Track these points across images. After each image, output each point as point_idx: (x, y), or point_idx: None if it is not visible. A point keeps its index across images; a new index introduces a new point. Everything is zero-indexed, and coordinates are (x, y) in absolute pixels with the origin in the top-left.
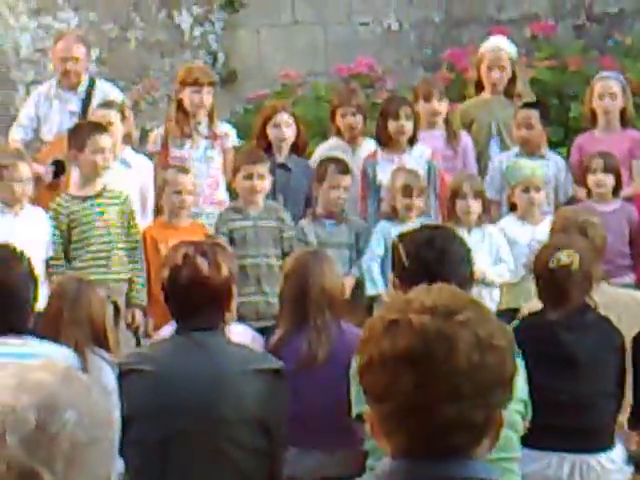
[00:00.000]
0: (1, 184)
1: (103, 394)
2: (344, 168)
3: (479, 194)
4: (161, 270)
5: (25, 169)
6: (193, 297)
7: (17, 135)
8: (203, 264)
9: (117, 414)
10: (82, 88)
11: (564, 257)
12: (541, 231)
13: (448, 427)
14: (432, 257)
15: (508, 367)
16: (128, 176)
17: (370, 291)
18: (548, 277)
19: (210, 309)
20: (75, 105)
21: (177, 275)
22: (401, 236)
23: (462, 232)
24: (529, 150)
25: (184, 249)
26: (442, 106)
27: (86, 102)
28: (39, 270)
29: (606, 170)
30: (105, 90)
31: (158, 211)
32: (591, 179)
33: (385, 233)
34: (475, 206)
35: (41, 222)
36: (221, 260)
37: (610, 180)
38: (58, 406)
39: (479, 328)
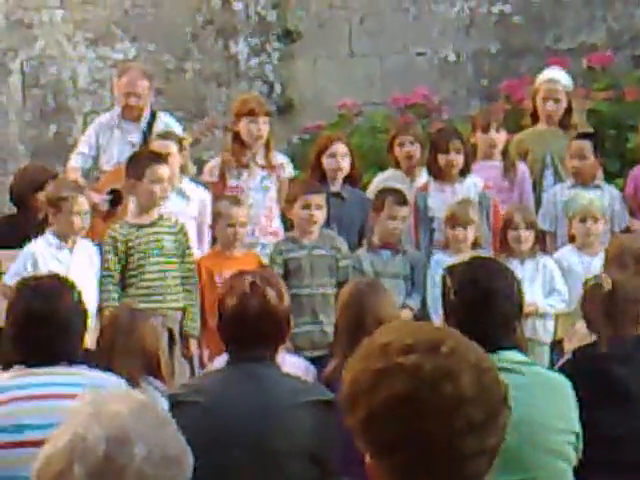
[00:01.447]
0: (59, 216)
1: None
2: (402, 199)
3: (531, 225)
4: (221, 298)
5: (83, 202)
6: (258, 327)
7: (76, 163)
8: (271, 293)
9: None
10: (144, 120)
11: (606, 284)
12: (598, 262)
13: (470, 458)
14: (476, 295)
15: (502, 386)
16: (185, 206)
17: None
18: (600, 308)
19: (269, 340)
20: (136, 136)
21: (245, 303)
22: (448, 269)
23: (515, 263)
24: (582, 181)
25: (250, 278)
26: (500, 137)
27: (147, 134)
28: (93, 303)
29: None
30: (167, 122)
31: (214, 241)
32: None
33: (441, 265)
34: (527, 237)
35: (94, 255)
36: (284, 290)
37: None
38: (129, 439)
39: (467, 354)
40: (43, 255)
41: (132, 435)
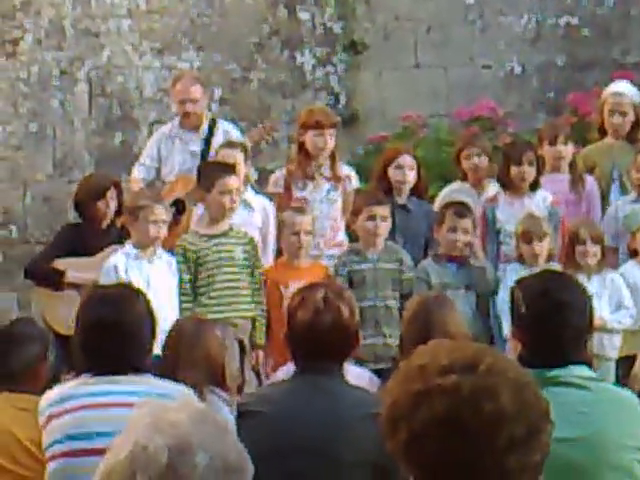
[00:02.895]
0: (136, 225)
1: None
2: (463, 211)
3: (598, 239)
4: (292, 310)
5: (161, 211)
6: (330, 341)
7: (139, 174)
8: (344, 308)
9: None
10: (204, 128)
11: None
12: None
13: (513, 476)
14: (547, 308)
15: (544, 401)
16: (249, 216)
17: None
18: None
19: (338, 353)
20: (197, 145)
21: (318, 318)
22: (519, 282)
23: (582, 278)
24: None
25: (322, 292)
26: (567, 150)
27: (208, 142)
28: (174, 313)
29: None
30: (227, 130)
31: (279, 252)
32: None
33: (516, 275)
34: (594, 251)
35: (173, 265)
36: (354, 304)
37: None
38: (190, 448)
39: (506, 371)
40: (123, 266)
41: (194, 444)
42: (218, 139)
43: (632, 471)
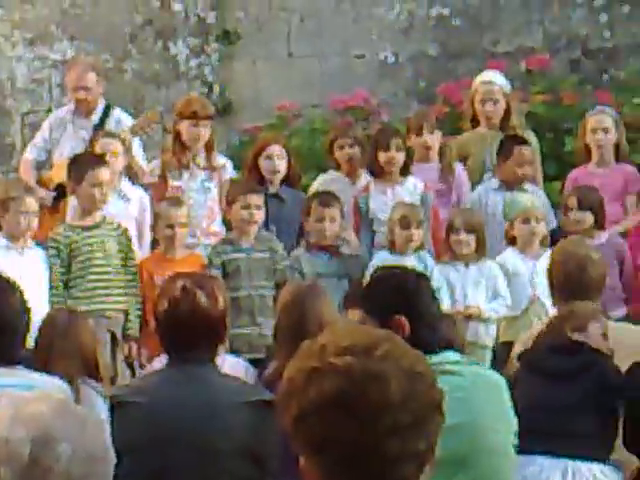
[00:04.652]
0: (7, 217)
1: (101, 427)
2: (328, 201)
3: (472, 228)
4: (155, 302)
5: (32, 203)
6: (191, 330)
7: (30, 155)
8: (202, 297)
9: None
10: (96, 115)
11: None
12: (542, 264)
13: (395, 462)
14: (403, 299)
15: (437, 392)
16: (125, 208)
17: None
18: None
19: (205, 342)
20: (88, 132)
21: (176, 308)
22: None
23: (460, 267)
24: (511, 185)
25: (181, 281)
26: (434, 139)
27: (98, 130)
28: (45, 305)
29: (581, 207)
30: (120, 118)
31: (155, 243)
32: (569, 216)
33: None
34: (467, 240)
35: (43, 261)
36: (217, 292)
37: (587, 216)
38: (53, 439)
39: (401, 359)
40: None
41: (56, 435)
42: (110, 127)
43: (508, 454)
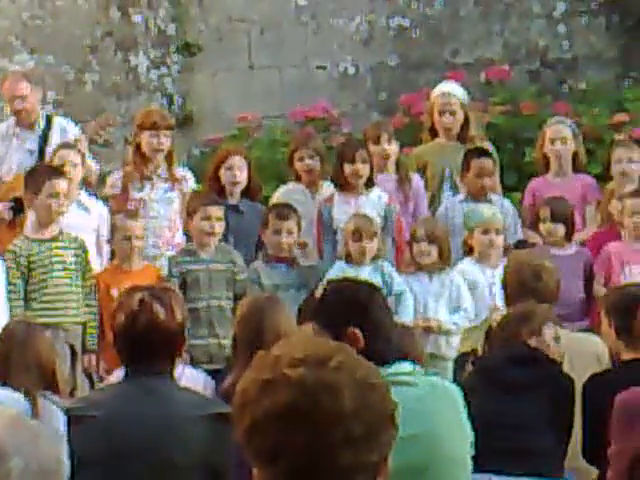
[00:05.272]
0: None
1: (54, 440)
2: (285, 213)
3: (434, 238)
4: (113, 315)
5: None
6: (148, 343)
7: None
8: (159, 310)
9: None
10: (39, 126)
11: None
12: (499, 274)
13: (347, 473)
14: (355, 311)
15: (390, 403)
16: (85, 219)
17: None
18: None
19: (163, 355)
20: (33, 143)
21: (133, 321)
22: (329, 282)
23: (423, 278)
24: (476, 196)
25: (139, 294)
26: (391, 148)
27: (44, 140)
28: (2, 321)
29: (554, 219)
30: (64, 126)
31: (113, 255)
32: (541, 227)
33: (341, 273)
34: (428, 250)
35: (1, 272)
36: (175, 305)
37: (559, 228)
38: (5, 454)
39: (355, 370)
40: None
41: (7, 449)
42: (55, 136)
43: (466, 463)
